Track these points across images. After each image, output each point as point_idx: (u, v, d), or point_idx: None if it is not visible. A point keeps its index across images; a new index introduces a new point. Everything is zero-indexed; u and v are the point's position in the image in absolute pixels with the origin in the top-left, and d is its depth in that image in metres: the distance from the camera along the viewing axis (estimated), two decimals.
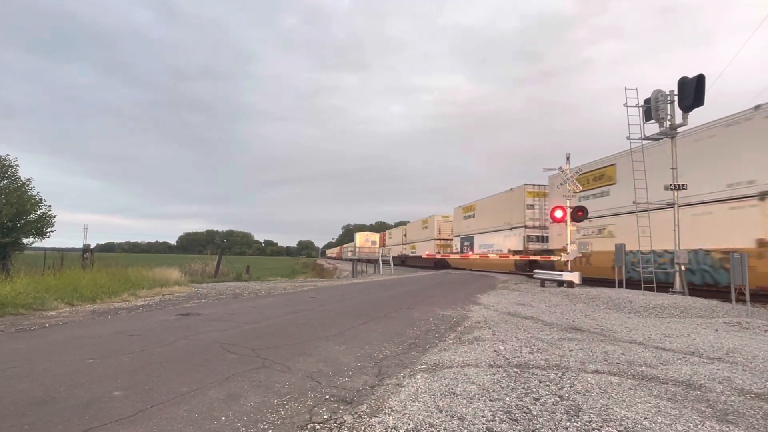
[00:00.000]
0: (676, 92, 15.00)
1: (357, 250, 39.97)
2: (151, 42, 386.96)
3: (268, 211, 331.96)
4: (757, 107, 13.42)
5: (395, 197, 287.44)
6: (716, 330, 8.49)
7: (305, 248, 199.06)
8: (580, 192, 18.68)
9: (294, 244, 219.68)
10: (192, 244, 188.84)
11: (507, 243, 28.91)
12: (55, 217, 25.24)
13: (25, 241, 24.46)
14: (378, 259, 39.51)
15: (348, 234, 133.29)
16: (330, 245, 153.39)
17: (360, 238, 48.58)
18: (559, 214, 18.99)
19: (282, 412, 3.78)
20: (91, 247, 25.49)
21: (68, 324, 8.06)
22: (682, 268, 14.34)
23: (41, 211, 24.52)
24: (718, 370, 5.40)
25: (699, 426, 3.57)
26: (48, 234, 25.12)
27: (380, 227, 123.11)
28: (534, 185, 27.34)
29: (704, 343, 7.14)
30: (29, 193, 23.77)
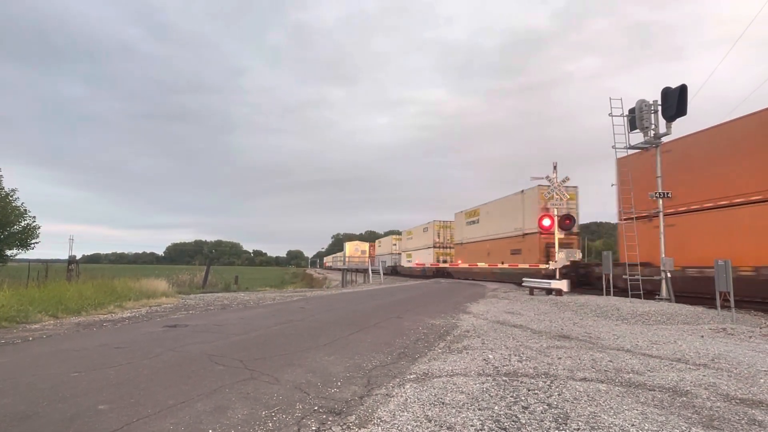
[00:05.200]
0: (659, 102, 15.30)
1: (347, 259, 39.89)
2: (140, 56, 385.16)
3: (257, 221, 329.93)
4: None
5: (384, 206, 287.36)
6: (702, 336, 8.60)
7: (295, 258, 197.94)
8: (567, 200, 18.87)
9: (283, 254, 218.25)
10: (180, 254, 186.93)
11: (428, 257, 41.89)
12: (39, 228, 24.96)
13: (8, 252, 24.11)
14: (368, 269, 39.44)
15: (338, 243, 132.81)
16: (320, 254, 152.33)
17: (350, 247, 48.41)
18: (546, 222, 19.16)
19: (270, 424, 3.75)
20: (77, 258, 25.17)
21: (52, 337, 7.93)
22: (668, 275, 14.51)
23: (25, 222, 24.23)
24: (704, 376, 5.46)
25: None
26: (32, 245, 24.82)
27: (370, 236, 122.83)
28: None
29: (690, 349, 7.22)
30: (13, 204, 23.47)
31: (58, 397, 4.40)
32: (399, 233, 63.24)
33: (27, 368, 5.59)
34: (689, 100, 14.64)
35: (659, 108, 15.31)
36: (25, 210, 24.16)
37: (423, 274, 42.11)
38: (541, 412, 4.02)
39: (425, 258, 42.36)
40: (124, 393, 4.53)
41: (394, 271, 52.47)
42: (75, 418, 3.83)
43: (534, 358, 6.42)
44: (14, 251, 24.42)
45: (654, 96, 15.49)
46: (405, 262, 49.64)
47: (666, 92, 15.02)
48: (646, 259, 15.85)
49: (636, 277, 15.16)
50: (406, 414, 3.98)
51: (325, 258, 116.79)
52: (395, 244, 55.75)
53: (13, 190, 23.90)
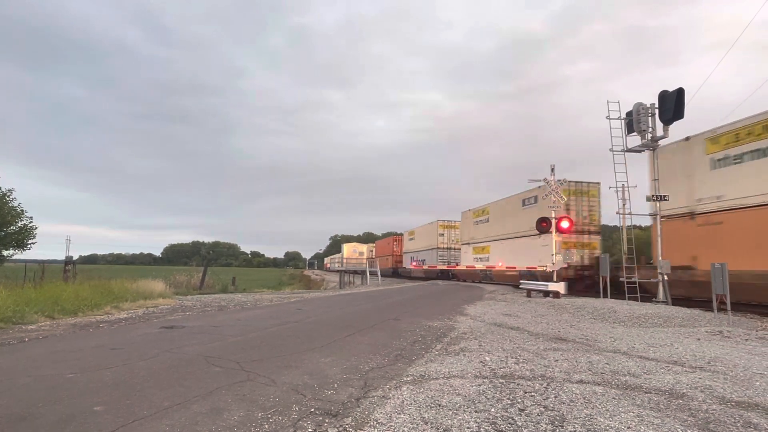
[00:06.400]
0: (657, 105, 15.35)
1: (344, 261, 39.89)
2: (140, 58, 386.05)
3: (254, 223, 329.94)
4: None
5: (382, 208, 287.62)
6: (698, 339, 8.61)
7: (292, 259, 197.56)
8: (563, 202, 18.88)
9: (281, 255, 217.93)
10: (177, 255, 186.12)
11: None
12: (36, 228, 24.95)
13: (5, 253, 24.04)
14: (365, 270, 39.42)
15: (335, 245, 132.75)
16: (318, 256, 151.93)
17: (347, 249, 48.21)
18: (544, 224, 19.17)
19: (266, 426, 3.74)
20: (74, 258, 25.13)
21: (48, 338, 7.90)
22: (665, 277, 14.53)
23: (22, 222, 24.19)
24: (700, 378, 5.47)
25: None
26: (29, 246, 24.81)
27: (368, 238, 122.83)
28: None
29: (687, 352, 7.23)
30: (10, 204, 23.40)
31: (53, 398, 4.38)
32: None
33: (23, 369, 5.56)
34: (686, 104, 14.69)
35: (656, 111, 15.37)
36: (22, 210, 24.13)
37: (524, 277, 21.87)
38: (538, 415, 4.02)
39: (525, 256, 23.59)
40: (120, 394, 4.52)
41: (445, 274, 36.74)
42: (70, 419, 3.82)
43: (531, 360, 6.43)
44: (11, 252, 24.39)
45: (650, 99, 15.57)
46: (471, 261, 31.49)
47: (663, 95, 15.09)
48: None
49: (633, 279, 15.19)
50: (402, 416, 3.97)
51: (325, 259, 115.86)
52: (443, 234, 39.00)
53: (9, 191, 23.87)
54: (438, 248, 38.80)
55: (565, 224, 18.48)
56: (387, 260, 52.82)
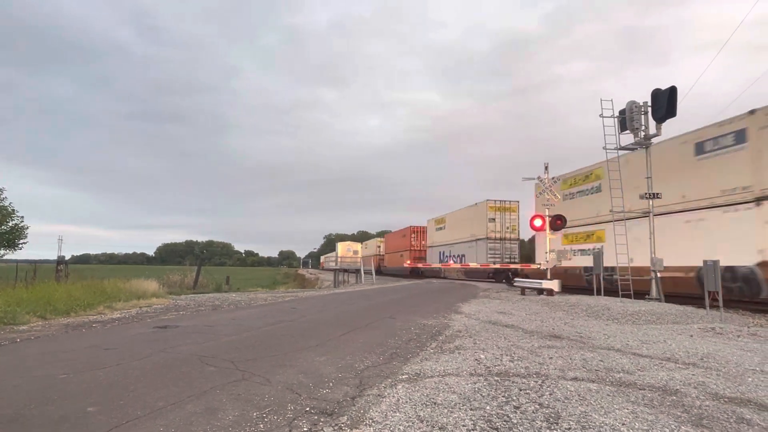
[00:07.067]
0: (649, 103, 15.42)
1: (338, 259, 39.75)
2: (134, 58, 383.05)
3: (248, 222, 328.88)
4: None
5: (376, 207, 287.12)
6: (691, 336, 8.67)
7: (287, 258, 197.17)
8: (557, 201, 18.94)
9: (275, 254, 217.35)
10: (171, 255, 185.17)
11: None
12: (28, 228, 24.74)
13: None
14: (360, 269, 39.35)
15: (330, 244, 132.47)
16: (312, 255, 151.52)
17: (342, 247, 47.92)
18: (538, 222, 19.24)
19: (261, 426, 3.73)
20: (66, 258, 24.93)
21: (40, 338, 7.83)
22: (658, 275, 14.63)
23: (13, 222, 23.98)
24: (693, 375, 5.51)
25: (675, 431, 3.63)
26: (20, 245, 24.59)
27: (362, 236, 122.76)
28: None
29: (680, 348, 7.28)
30: (0, 204, 23.19)
31: (45, 399, 4.34)
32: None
33: (14, 370, 5.51)
34: (678, 102, 14.77)
35: (649, 109, 15.44)
36: (13, 210, 23.94)
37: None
38: (533, 412, 4.03)
39: (709, 243, 13.41)
40: (113, 395, 4.48)
41: (502, 274, 26.99)
42: (63, 420, 3.79)
43: (525, 357, 6.45)
44: (2, 252, 24.17)
45: (643, 98, 15.64)
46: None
47: (656, 94, 15.15)
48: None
49: (626, 277, 15.26)
50: (398, 414, 3.97)
51: (321, 258, 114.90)
52: (494, 219, 27.84)
53: (0, 190, 23.64)
54: (488, 239, 27.34)
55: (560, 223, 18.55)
56: (401, 257, 42.97)
